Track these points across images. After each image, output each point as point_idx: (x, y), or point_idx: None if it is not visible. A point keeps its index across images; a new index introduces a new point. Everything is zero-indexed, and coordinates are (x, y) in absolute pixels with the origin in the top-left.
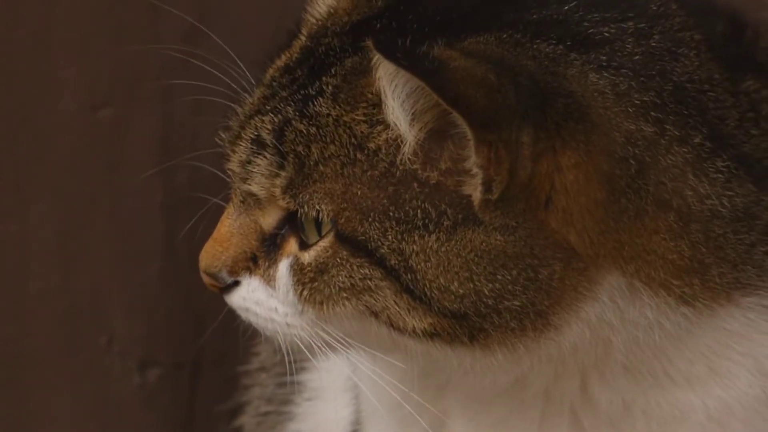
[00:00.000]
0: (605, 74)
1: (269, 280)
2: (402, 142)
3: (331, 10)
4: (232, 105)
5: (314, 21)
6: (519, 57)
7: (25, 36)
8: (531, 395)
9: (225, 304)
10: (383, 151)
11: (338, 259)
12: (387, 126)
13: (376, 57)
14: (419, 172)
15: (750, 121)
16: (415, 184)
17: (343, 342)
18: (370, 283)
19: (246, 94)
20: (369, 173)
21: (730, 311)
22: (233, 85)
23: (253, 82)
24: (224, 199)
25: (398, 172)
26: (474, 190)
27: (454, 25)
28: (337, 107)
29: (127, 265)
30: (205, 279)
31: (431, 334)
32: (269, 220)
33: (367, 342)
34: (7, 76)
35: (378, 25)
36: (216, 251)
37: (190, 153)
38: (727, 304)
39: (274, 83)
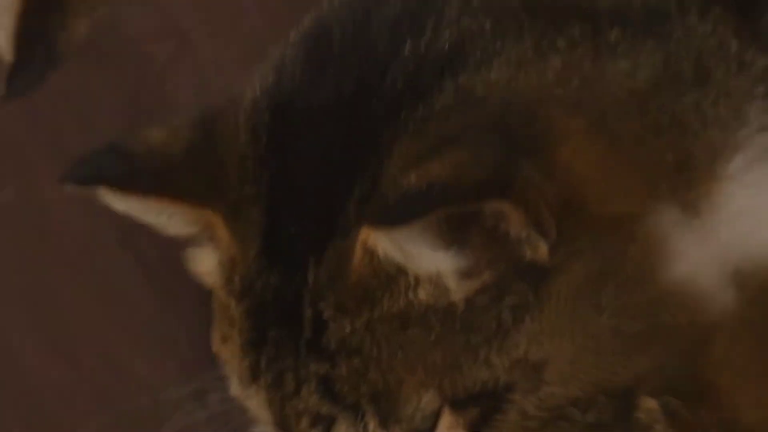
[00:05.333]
0: (494, 67)
1: None
2: (443, 286)
3: (230, 260)
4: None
5: (231, 286)
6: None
7: None
8: None
9: None
10: (432, 309)
11: (470, 427)
12: (414, 287)
13: (383, 235)
14: (473, 288)
15: None
16: (478, 300)
17: None
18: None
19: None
20: (432, 337)
21: None
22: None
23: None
24: None
25: (457, 310)
26: (535, 250)
27: (357, 167)
28: (357, 317)
29: None
30: None
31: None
32: None
33: None
34: None
35: (273, 240)
36: None
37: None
38: None
39: (264, 358)
